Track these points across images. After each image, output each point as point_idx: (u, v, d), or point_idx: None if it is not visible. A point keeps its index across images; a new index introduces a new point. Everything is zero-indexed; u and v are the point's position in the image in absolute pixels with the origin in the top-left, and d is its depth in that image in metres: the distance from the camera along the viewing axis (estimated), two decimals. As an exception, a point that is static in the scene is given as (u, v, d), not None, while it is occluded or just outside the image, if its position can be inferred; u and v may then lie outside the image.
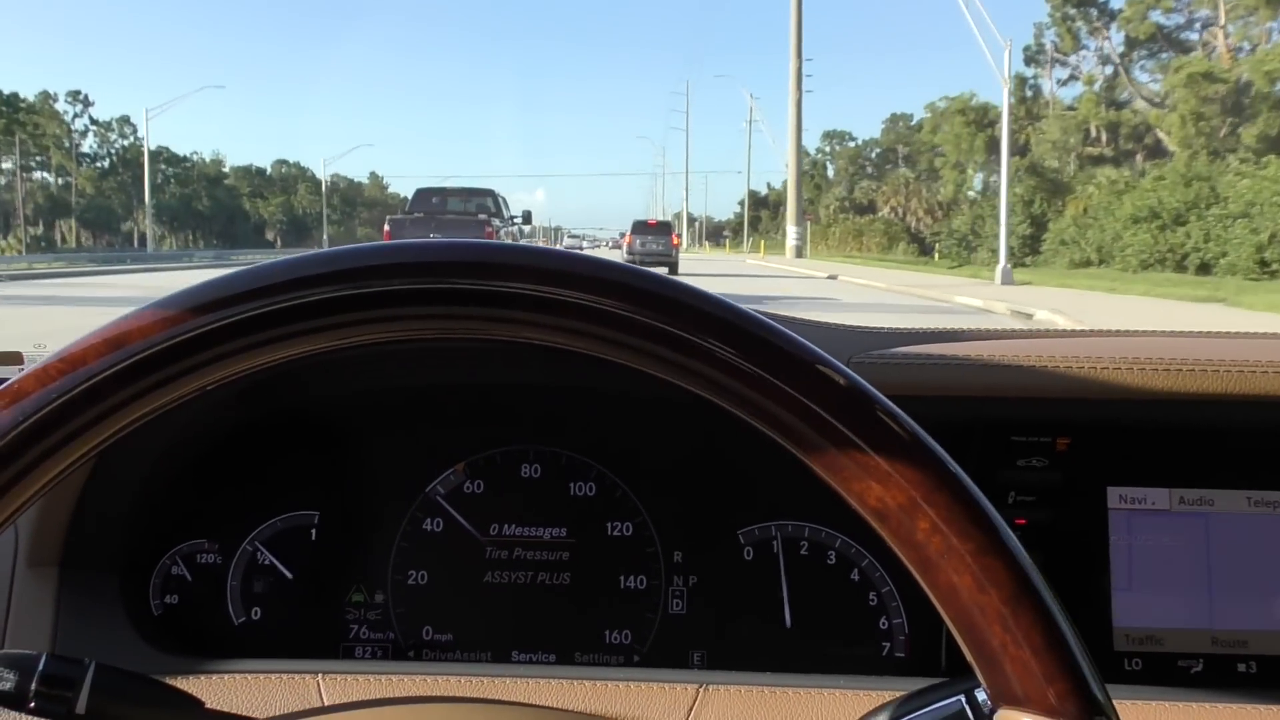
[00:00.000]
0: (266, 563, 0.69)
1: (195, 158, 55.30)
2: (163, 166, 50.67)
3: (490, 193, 15.21)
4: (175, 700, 0.49)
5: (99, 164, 47.92)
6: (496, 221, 13.70)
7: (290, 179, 64.33)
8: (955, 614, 0.32)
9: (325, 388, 0.71)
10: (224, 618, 0.69)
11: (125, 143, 48.15)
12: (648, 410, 0.70)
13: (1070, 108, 34.24)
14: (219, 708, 0.52)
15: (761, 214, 65.77)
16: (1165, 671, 0.64)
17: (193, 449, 0.69)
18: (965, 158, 39.82)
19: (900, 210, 46.34)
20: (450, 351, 0.69)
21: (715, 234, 74.82)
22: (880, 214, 47.06)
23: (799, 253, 33.32)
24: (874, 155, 59.68)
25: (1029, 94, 36.31)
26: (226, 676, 0.59)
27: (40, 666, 0.46)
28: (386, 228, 13.17)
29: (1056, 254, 23.68)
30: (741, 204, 69.51)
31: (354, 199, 70.89)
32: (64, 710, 0.46)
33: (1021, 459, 0.66)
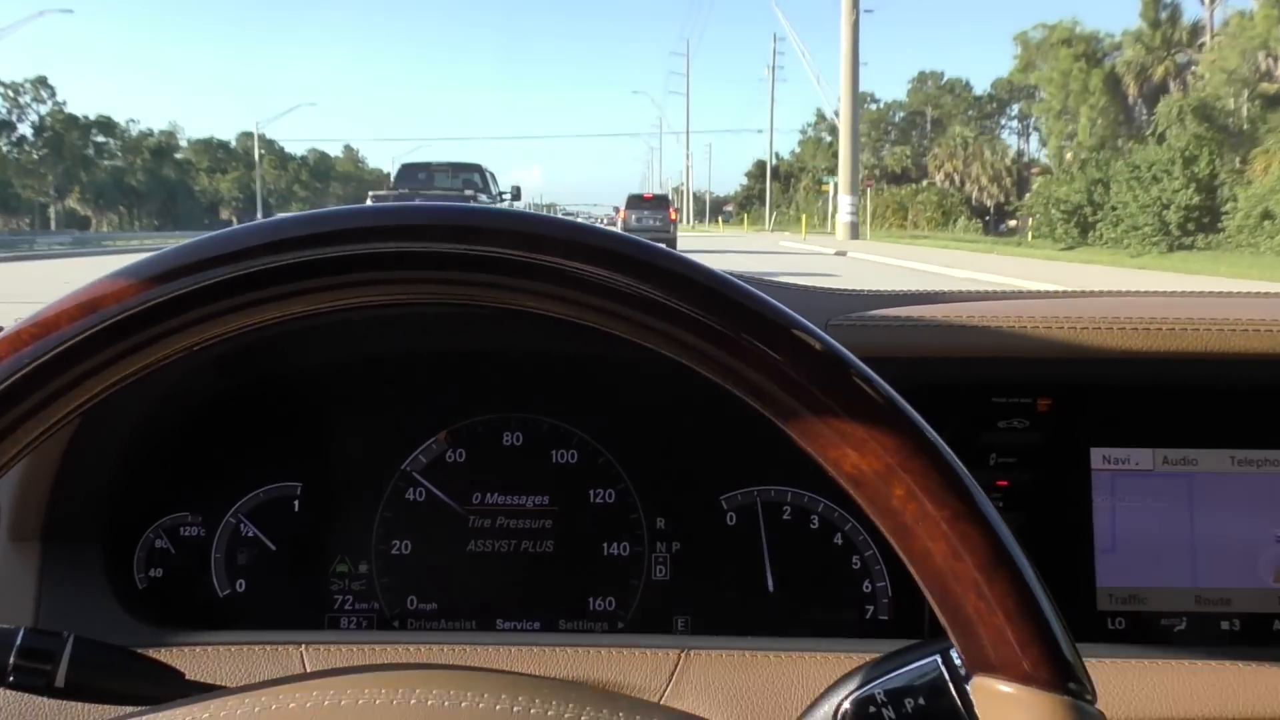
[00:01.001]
0: (250, 535, 0.74)
1: (132, 127, 52.34)
2: (97, 137, 48.02)
3: (478, 168, 15.59)
4: (155, 672, 0.52)
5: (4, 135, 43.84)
6: (484, 198, 14.20)
7: (248, 150, 63.94)
8: (930, 580, 0.34)
9: (305, 356, 0.75)
10: (208, 590, 0.74)
11: (43, 109, 44.89)
12: (629, 377, 0.75)
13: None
14: (201, 679, 0.54)
15: (772, 186, 64.27)
16: (1148, 630, 0.70)
17: (172, 420, 0.74)
18: (1076, 101, 32.23)
19: (957, 177, 41.43)
20: (431, 318, 0.74)
21: (715, 210, 73.55)
22: (928, 182, 42.74)
23: (854, 232, 25.25)
24: (899, 119, 58.56)
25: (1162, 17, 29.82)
26: (210, 648, 0.64)
27: (19, 640, 0.48)
28: (369, 203, 14.49)
29: (1255, 232, 17.09)
30: (752, 174, 66.78)
31: (326, 173, 70.69)
32: (43, 683, 0.49)
33: (1002, 420, 0.71)
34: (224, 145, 63.28)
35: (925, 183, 43.24)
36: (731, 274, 0.36)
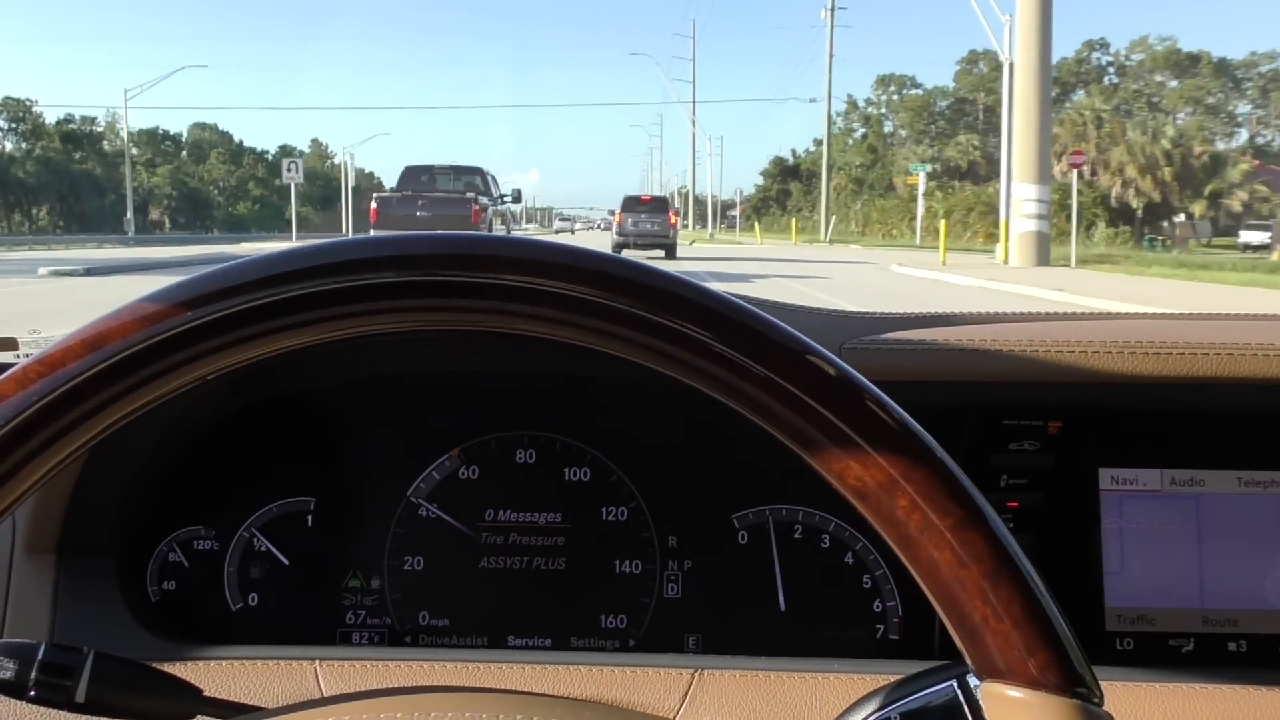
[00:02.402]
0: (263, 549, 0.84)
1: (35, 108, 50.90)
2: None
3: (479, 171, 17.24)
4: (174, 688, 0.58)
5: None
6: (485, 200, 15.34)
7: (205, 145, 64.19)
8: (937, 589, 0.38)
9: (320, 375, 0.85)
10: (221, 604, 0.84)
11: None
12: (642, 395, 0.84)
13: None
14: (217, 695, 0.61)
15: (791, 186, 62.16)
16: (1157, 651, 0.79)
17: (188, 436, 0.84)
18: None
19: (1085, 167, 33.48)
20: (443, 339, 0.83)
21: (719, 215, 73.09)
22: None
23: (1043, 251, 18.66)
24: (945, 108, 57.70)
25: None
26: (224, 663, 0.74)
27: (40, 655, 0.54)
28: (374, 205, 14.91)
29: None
30: (770, 173, 65.20)
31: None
32: (63, 699, 0.54)
33: (1013, 442, 0.81)
34: (173, 137, 63.78)
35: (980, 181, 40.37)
36: (731, 294, 0.40)
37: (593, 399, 0.86)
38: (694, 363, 0.39)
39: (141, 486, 0.82)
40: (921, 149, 51.76)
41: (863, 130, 61.17)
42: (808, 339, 0.40)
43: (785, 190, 63.43)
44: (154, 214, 55.94)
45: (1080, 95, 53.46)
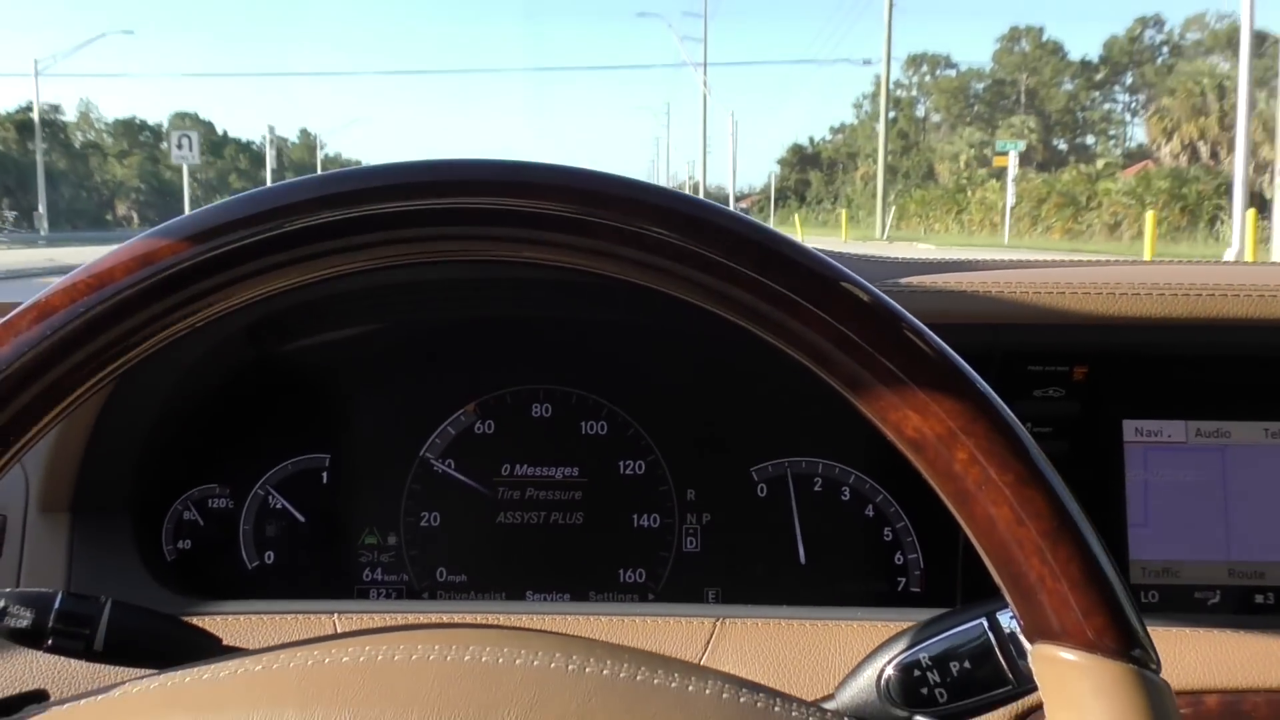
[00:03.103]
0: (278, 506, 0.90)
1: None
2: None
3: None
4: (193, 637, 0.62)
5: None
6: None
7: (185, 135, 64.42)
8: (991, 546, 0.39)
9: (335, 327, 0.91)
10: (237, 562, 0.89)
11: None
12: (659, 348, 0.90)
13: None
14: (237, 645, 0.64)
15: (811, 176, 61.06)
16: (1182, 603, 0.84)
17: (200, 393, 0.89)
18: None
19: (1204, 146, 30.64)
20: (459, 286, 0.89)
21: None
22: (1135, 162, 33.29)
23: None
24: (982, 90, 56.82)
25: None
26: (243, 618, 0.79)
27: (57, 604, 0.57)
28: None
29: None
30: (788, 161, 63.94)
31: (279, 162, 71.59)
32: (82, 647, 0.57)
33: (1038, 389, 0.85)
34: (150, 128, 64.17)
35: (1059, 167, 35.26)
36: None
37: (609, 352, 0.91)
38: (751, 304, 0.40)
39: (155, 445, 0.87)
40: (969, 132, 49.68)
41: (892, 114, 60.93)
42: (870, 285, 0.41)
43: (804, 180, 62.35)
44: (121, 209, 55.61)
45: (1130, 78, 52.80)
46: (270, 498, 0.90)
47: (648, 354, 0.91)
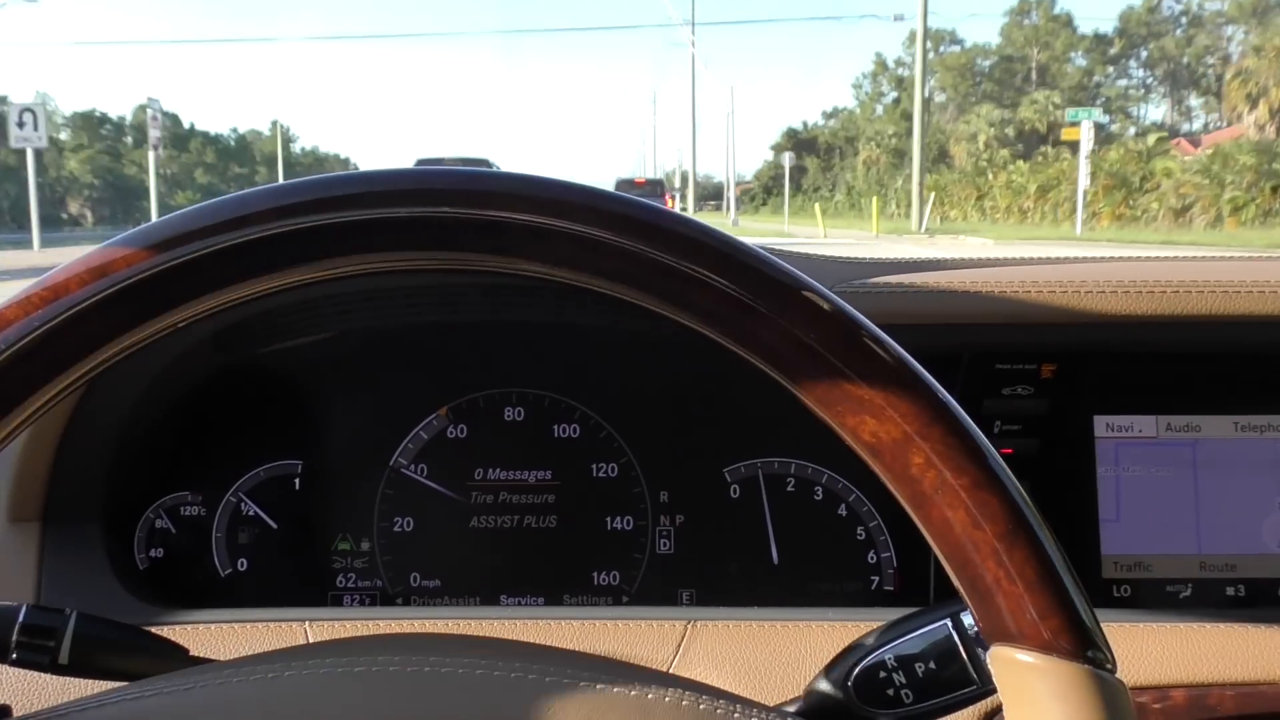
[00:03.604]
0: (251, 513, 0.94)
1: None
2: None
3: (486, 162, 23.38)
4: (159, 648, 0.65)
5: None
6: None
7: (143, 125, 64.14)
8: (948, 549, 0.42)
9: (303, 333, 0.96)
10: (210, 570, 0.94)
11: None
12: (630, 350, 0.95)
13: None
14: (205, 655, 0.67)
15: (806, 162, 59.99)
16: (1154, 598, 0.89)
17: (171, 400, 0.94)
18: None
19: (1278, 120, 28.12)
20: (429, 291, 0.93)
21: (709, 197, 72.18)
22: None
23: None
24: (988, 68, 56.47)
25: None
26: (214, 626, 0.83)
27: (21, 617, 0.60)
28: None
29: None
30: (781, 147, 63.18)
31: (245, 155, 71.39)
32: (46, 660, 0.60)
33: (1006, 387, 0.91)
34: (112, 122, 63.91)
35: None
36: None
37: (581, 354, 0.96)
38: (709, 308, 0.42)
39: (126, 453, 0.92)
40: (988, 109, 47.93)
41: (894, 94, 60.10)
42: (826, 289, 0.43)
43: (800, 166, 61.41)
44: (73, 206, 54.81)
45: (1145, 52, 52.54)
46: (243, 505, 0.94)
47: (620, 356, 0.96)
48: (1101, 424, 0.90)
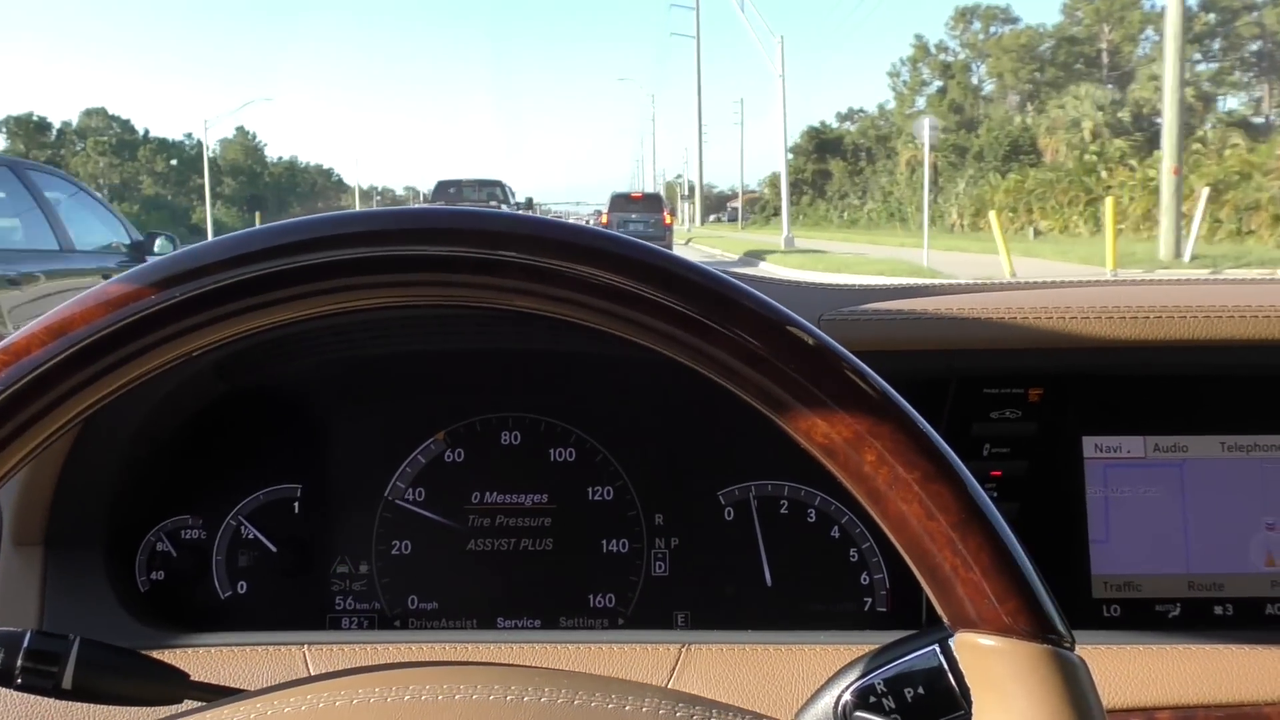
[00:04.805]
0: (251, 537, 1.09)
1: None
2: None
3: (499, 183, 28.04)
4: (160, 673, 0.76)
5: None
6: (505, 208, 22.36)
7: (97, 134, 64.83)
8: (907, 542, 0.49)
9: (303, 359, 1.11)
10: (210, 592, 1.09)
11: None
12: (625, 374, 1.09)
13: None
14: (205, 680, 0.77)
15: (831, 165, 57.71)
16: (1143, 617, 1.03)
17: (172, 425, 1.09)
18: None
19: None
20: (426, 320, 1.08)
21: (716, 208, 71.34)
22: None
23: None
24: (1047, 52, 54.74)
25: None
26: (213, 650, 0.96)
27: (26, 643, 0.71)
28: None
29: None
30: (803, 149, 60.25)
31: (211, 167, 71.86)
32: (50, 685, 0.71)
33: (995, 411, 1.05)
34: (53, 129, 64.53)
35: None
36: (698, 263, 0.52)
37: (577, 379, 1.11)
38: (657, 327, 0.50)
39: (127, 477, 1.06)
40: (1087, 89, 42.83)
41: (939, 84, 58.45)
42: (768, 299, 0.51)
43: (823, 171, 60.15)
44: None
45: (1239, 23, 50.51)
46: (243, 528, 1.09)
47: (614, 381, 1.10)
48: (1090, 445, 1.05)
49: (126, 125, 68.08)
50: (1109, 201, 16.97)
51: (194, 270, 0.48)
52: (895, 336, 1.02)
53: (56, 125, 65.00)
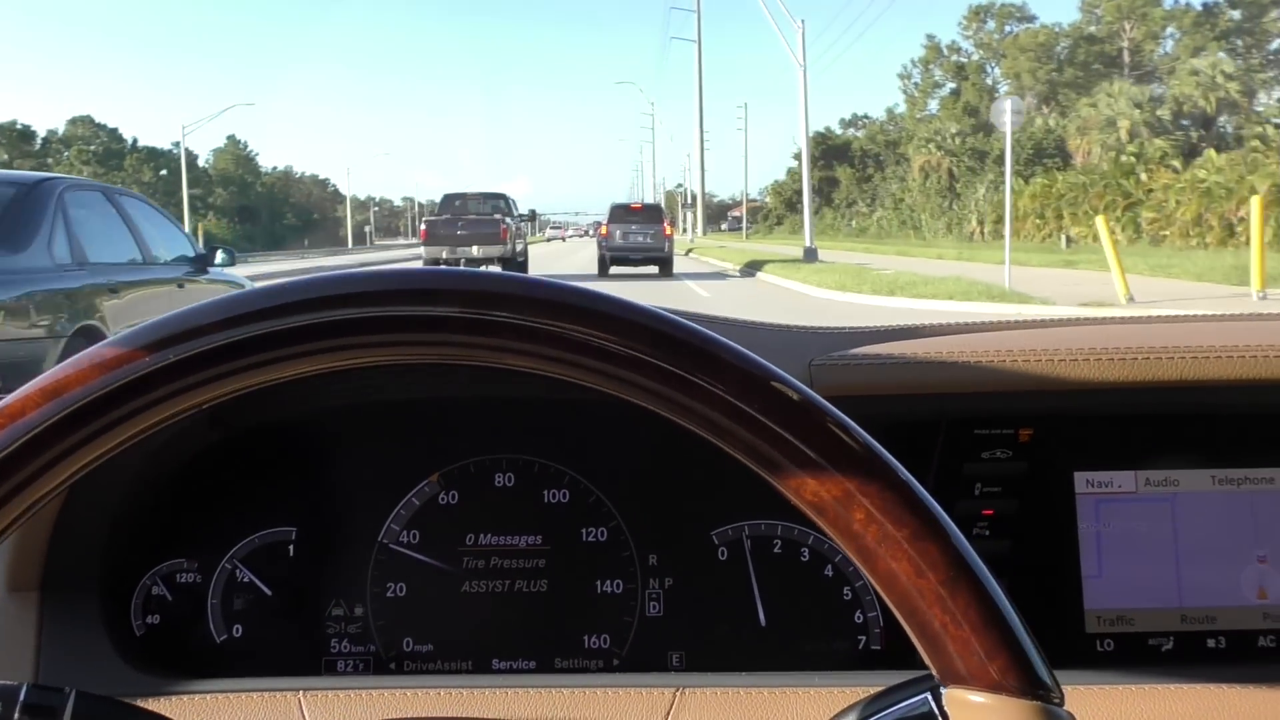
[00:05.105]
0: (246, 580, 1.14)
1: None
2: None
3: (503, 196, 29.33)
4: None
5: None
6: (509, 220, 26.14)
7: (82, 142, 64.93)
8: (897, 599, 0.51)
9: (297, 404, 1.16)
10: (205, 636, 1.13)
11: None
12: (617, 416, 1.12)
13: None
14: None
15: (839, 172, 57.95)
16: (1137, 651, 1.07)
17: (168, 468, 1.14)
18: None
19: None
20: (418, 368, 1.12)
21: (717, 217, 70.96)
22: None
23: None
24: (1065, 52, 54.21)
25: None
26: (209, 696, 1.00)
27: (22, 697, 0.73)
28: (423, 227, 26.40)
29: None
30: (810, 149, 61.33)
31: (202, 177, 71.96)
32: None
33: (985, 451, 1.10)
34: (36, 137, 64.71)
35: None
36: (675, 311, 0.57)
37: (569, 421, 1.16)
38: (647, 385, 0.53)
39: (123, 521, 1.11)
40: (1121, 86, 40.95)
41: (952, 85, 58.18)
42: (757, 357, 0.54)
43: (830, 178, 60.34)
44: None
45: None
46: (238, 571, 1.14)
47: (607, 422, 1.15)
48: (1082, 480, 1.10)
49: (114, 134, 68.38)
50: (1255, 202, 14.84)
51: (186, 332, 0.52)
52: (887, 381, 1.07)
53: (42, 134, 65.42)
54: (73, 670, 1.03)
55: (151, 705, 0.79)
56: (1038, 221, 34.79)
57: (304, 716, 0.99)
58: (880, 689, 0.60)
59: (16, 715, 0.71)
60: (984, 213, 40.25)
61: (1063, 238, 31.64)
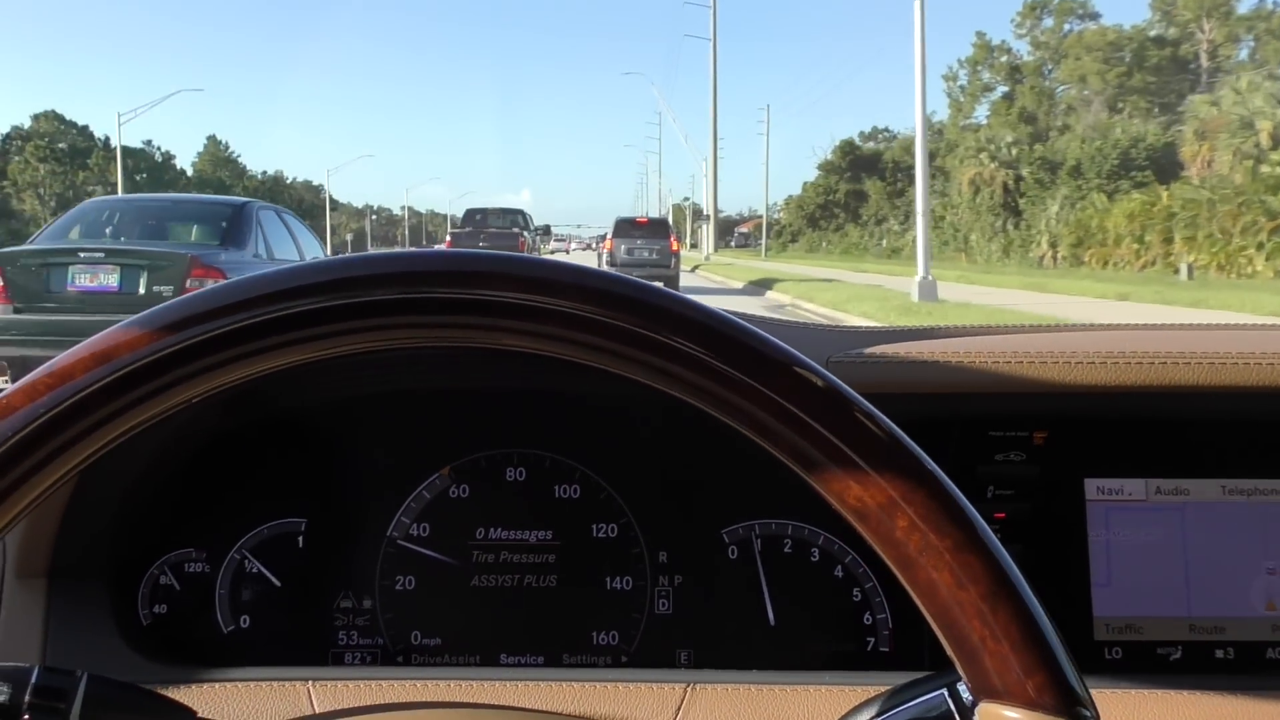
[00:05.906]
0: (254, 570, 1.24)
1: None
2: None
3: (520, 211, 34.10)
4: (167, 710, 0.87)
5: None
6: (526, 234, 30.23)
7: (50, 138, 65.29)
8: (935, 610, 0.55)
9: (310, 395, 1.26)
10: (213, 626, 1.23)
11: None
12: (631, 412, 1.25)
13: None
14: (210, 716, 0.91)
15: (867, 185, 56.65)
16: (1145, 660, 1.17)
17: (179, 458, 1.24)
18: None
19: None
20: (434, 358, 1.23)
21: (724, 233, 70.59)
22: None
23: None
24: (1130, 55, 52.10)
25: None
26: (217, 685, 1.09)
27: (33, 679, 0.81)
28: (448, 239, 33.91)
29: None
30: (834, 165, 58.79)
31: (170, 178, 72.23)
32: None
33: (999, 453, 1.20)
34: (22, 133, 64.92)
35: None
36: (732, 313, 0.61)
37: (582, 416, 1.27)
38: (695, 381, 0.57)
39: (132, 510, 1.20)
40: (1250, 78, 34.37)
41: (1004, 89, 56.73)
42: (814, 362, 0.58)
43: (858, 191, 59.23)
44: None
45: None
46: (246, 562, 1.24)
47: (620, 418, 1.25)
48: (1092, 487, 1.20)
49: (84, 131, 68.70)
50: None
51: (237, 304, 0.57)
52: (901, 379, 1.17)
53: (4, 130, 65.86)
54: (80, 658, 1.10)
55: (162, 694, 0.87)
56: (1135, 246, 30.04)
57: (313, 706, 1.07)
58: (895, 685, 0.65)
59: (28, 698, 0.76)
60: (1058, 234, 35.43)
61: (1183, 267, 27.68)
